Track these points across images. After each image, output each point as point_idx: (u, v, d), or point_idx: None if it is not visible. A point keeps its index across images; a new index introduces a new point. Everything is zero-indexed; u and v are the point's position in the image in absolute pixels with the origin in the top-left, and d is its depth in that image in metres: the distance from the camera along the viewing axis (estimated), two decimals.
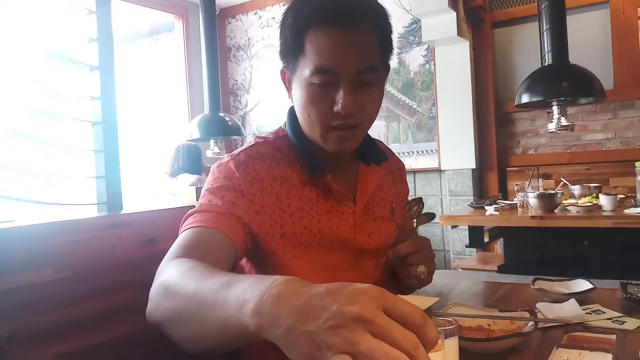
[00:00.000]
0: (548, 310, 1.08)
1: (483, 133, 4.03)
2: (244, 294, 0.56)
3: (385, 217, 1.13)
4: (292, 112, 1.08)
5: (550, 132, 3.05)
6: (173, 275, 0.75)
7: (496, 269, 3.00)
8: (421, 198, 1.10)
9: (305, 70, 0.94)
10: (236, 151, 1.03)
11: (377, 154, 1.13)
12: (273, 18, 4.78)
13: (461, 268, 3.34)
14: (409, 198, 1.22)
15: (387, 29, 1.00)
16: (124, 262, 1.10)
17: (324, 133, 0.97)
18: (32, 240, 0.97)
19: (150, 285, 0.83)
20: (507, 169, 4.01)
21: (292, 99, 1.03)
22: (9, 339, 0.90)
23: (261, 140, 1.07)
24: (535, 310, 1.03)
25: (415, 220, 1.07)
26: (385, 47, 1.00)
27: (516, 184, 3.01)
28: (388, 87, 4.34)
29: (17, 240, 0.95)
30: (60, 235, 1.02)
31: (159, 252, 1.16)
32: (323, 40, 0.92)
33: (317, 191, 1.04)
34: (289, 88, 1.04)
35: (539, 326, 0.98)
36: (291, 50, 0.97)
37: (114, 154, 1.39)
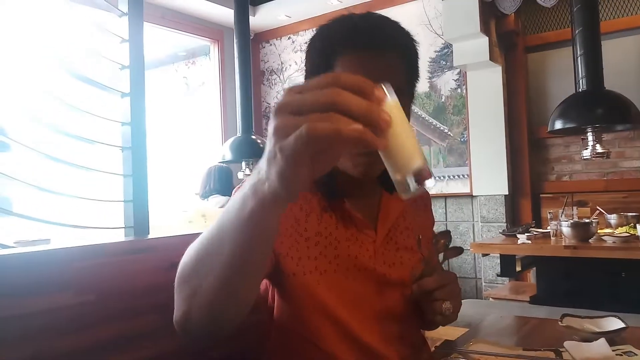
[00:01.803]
0: (575, 350, 1.04)
1: (516, 158, 3.96)
2: (246, 192, 0.61)
3: (409, 248, 1.11)
4: None
5: (585, 159, 2.98)
6: (185, 257, 0.78)
7: (528, 300, 2.92)
8: (449, 231, 1.08)
9: None
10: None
11: None
12: (305, 43, 4.81)
13: (492, 298, 3.26)
14: (436, 230, 1.19)
15: (414, 54, 1.01)
16: (146, 287, 1.11)
17: (350, 158, 0.97)
18: (54, 264, 0.98)
19: (172, 310, 0.84)
20: (541, 195, 3.92)
21: None
22: None
23: None
24: (562, 350, 1.00)
25: (442, 255, 1.04)
26: (412, 73, 1.01)
27: (549, 212, 2.94)
28: (419, 111, 4.32)
29: (39, 263, 0.97)
30: (83, 259, 1.03)
31: None
32: (353, 64, 0.93)
33: (337, 217, 1.03)
34: None
35: None
36: (319, 75, 0.98)
37: (142, 179, 1.42)
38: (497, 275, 3.25)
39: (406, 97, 0.98)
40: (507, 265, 2.87)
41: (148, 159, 1.52)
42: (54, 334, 0.95)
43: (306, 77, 1.04)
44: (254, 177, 0.60)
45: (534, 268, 3.18)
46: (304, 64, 1.09)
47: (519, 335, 1.25)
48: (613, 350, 1.03)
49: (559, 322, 1.20)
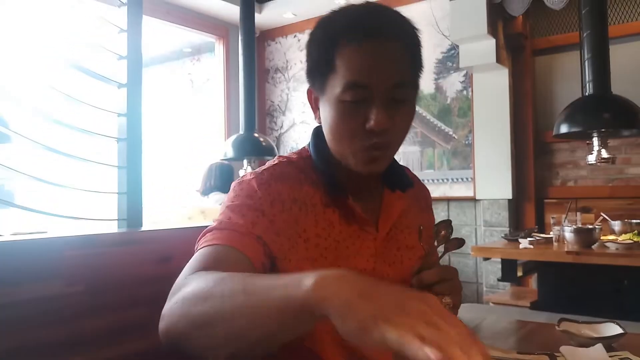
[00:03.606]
0: (571, 355, 1.02)
1: (520, 162, 3.93)
2: (303, 277, 0.60)
3: (410, 247, 1.08)
4: (316, 133, 1.06)
5: (590, 165, 2.94)
6: (203, 283, 0.73)
7: (529, 305, 2.88)
8: (450, 221, 1.05)
9: (335, 87, 0.92)
10: (259, 169, 1.01)
11: (402, 180, 1.09)
12: None
13: (493, 302, 3.22)
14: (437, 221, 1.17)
15: (417, 44, 0.98)
16: (137, 279, 1.10)
17: (355, 153, 0.94)
18: (45, 253, 0.98)
19: (163, 303, 0.79)
20: (545, 200, 3.88)
21: (318, 119, 1.01)
22: (16, 350, 0.90)
23: (285, 159, 1.04)
24: (557, 355, 0.97)
25: (443, 246, 1.01)
26: (416, 63, 0.98)
27: (552, 217, 2.90)
28: (424, 113, 4.29)
29: (30, 252, 0.96)
30: (74, 249, 1.02)
31: (174, 270, 1.15)
32: (355, 55, 0.90)
33: (340, 214, 1.00)
34: (315, 108, 1.02)
35: None
36: (320, 68, 0.95)
37: (137, 171, 1.40)
38: (498, 280, 3.22)
39: (411, 87, 0.96)
40: (508, 270, 2.84)
41: (144, 152, 1.50)
42: (42, 323, 0.94)
43: (307, 71, 1.01)
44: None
45: (536, 274, 3.15)
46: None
47: (515, 338, 1.23)
48: (610, 356, 1.01)
49: (556, 327, 1.17)
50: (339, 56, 0.91)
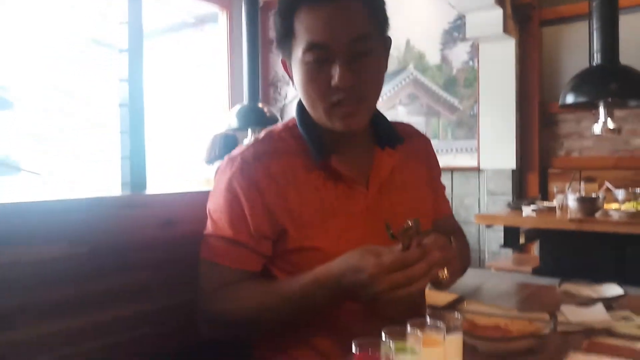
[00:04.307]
0: (572, 314, 1.03)
1: (525, 133, 3.91)
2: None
3: (404, 203, 1.08)
4: (300, 101, 1.08)
5: (596, 135, 2.92)
6: (245, 295, 0.98)
7: (530, 272, 2.90)
8: (417, 219, 0.87)
9: (298, 50, 0.96)
10: (235, 158, 1.03)
11: (390, 137, 1.09)
12: None
13: (494, 269, 3.24)
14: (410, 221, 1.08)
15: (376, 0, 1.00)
16: (140, 242, 1.11)
17: (327, 110, 0.97)
18: (49, 215, 0.98)
19: (166, 266, 1.05)
20: (549, 171, 3.87)
21: (294, 86, 1.04)
22: (22, 308, 0.91)
23: (264, 135, 1.08)
24: (558, 314, 0.98)
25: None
26: (378, 17, 0.99)
27: (556, 186, 2.90)
28: (429, 83, 4.26)
29: (34, 213, 0.97)
30: (79, 212, 1.03)
31: (177, 234, 1.16)
32: (311, 17, 0.94)
33: (325, 177, 1.02)
34: (291, 76, 1.04)
35: (559, 329, 0.93)
36: (283, 36, 0.99)
37: (139, 135, 1.40)
38: (500, 247, 3.23)
39: (374, 40, 0.97)
40: (511, 237, 2.85)
41: (147, 120, 1.50)
42: (46, 283, 0.95)
43: (276, 42, 1.04)
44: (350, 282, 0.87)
45: (538, 241, 3.15)
46: None
47: (516, 299, 1.24)
48: (611, 315, 1.02)
49: (557, 288, 1.18)
50: (297, 21, 0.95)
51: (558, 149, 3.89)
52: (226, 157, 1.06)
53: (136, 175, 1.38)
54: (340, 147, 1.03)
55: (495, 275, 3.01)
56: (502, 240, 3.02)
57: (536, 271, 2.85)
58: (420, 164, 1.18)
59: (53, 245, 0.97)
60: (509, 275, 3.00)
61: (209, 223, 1.03)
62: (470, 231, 3.97)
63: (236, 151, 1.05)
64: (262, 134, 1.08)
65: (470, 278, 2.53)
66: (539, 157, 3.89)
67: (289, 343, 1.02)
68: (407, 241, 0.83)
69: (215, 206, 1.03)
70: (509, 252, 3.65)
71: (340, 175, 1.02)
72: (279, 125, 1.10)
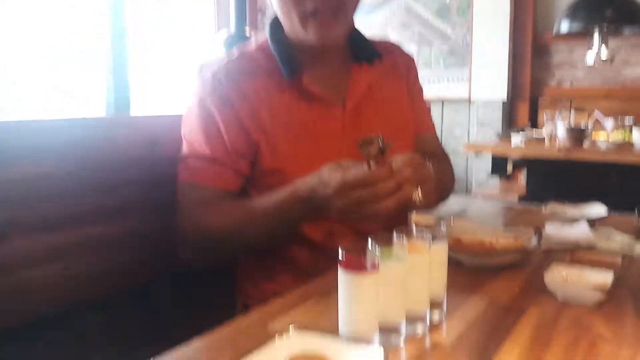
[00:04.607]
0: (556, 232, 1.04)
1: (517, 63, 3.85)
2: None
3: (383, 120, 1.06)
4: (274, 18, 1.05)
5: (588, 67, 2.89)
6: (221, 217, 0.97)
7: (517, 200, 2.94)
8: (378, 135, 0.80)
9: None
10: (207, 79, 1.02)
11: (366, 51, 1.06)
12: None
13: (481, 196, 3.28)
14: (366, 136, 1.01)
15: None
16: (126, 162, 1.10)
17: (302, 21, 0.95)
18: (35, 134, 0.99)
19: (149, 185, 1.07)
20: (539, 99, 3.84)
21: (272, 3, 1.01)
22: (11, 223, 0.91)
23: (237, 54, 1.05)
24: (543, 232, 1.00)
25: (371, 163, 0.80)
26: None
27: (546, 113, 2.89)
28: (421, 11, 4.14)
29: (22, 133, 0.97)
30: (64, 132, 1.02)
31: (161, 155, 1.16)
32: None
33: (298, 97, 1.00)
34: None
35: (543, 246, 0.95)
36: None
37: (122, 58, 1.36)
38: (488, 175, 3.25)
39: None
40: (499, 165, 2.87)
41: (131, 45, 1.45)
42: (30, 201, 0.95)
43: None
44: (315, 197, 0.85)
45: (525, 170, 3.18)
46: None
47: (502, 220, 1.26)
48: (594, 233, 1.03)
49: (543, 208, 1.20)
50: None
51: (550, 79, 3.85)
52: (198, 77, 1.03)
53: (120, 98, 1.35)
54: (314, 64, 1.00)
55: (482, 201, 3.05)
56: (490, 170, 3.04)
57: (522, 199, 2.89)
58: (400, 79, 1.14)
59: (39, 165, 0.96)
60: (495, 202, 3.04)
61: (184, 146, 1.02)
62: (458, 162, 3.98)
63: (207, 70, 1.02)
64: (236, 52, 1.05)
65: (456, 204, 2.57)
66: (530, 87, 3.85)
67: (270, 262, 1.03)
68: (366, 152, 0.78)
69: (190, 128, 1.02)
70: (496, 181, 3.68)
71: (313, 94, 1.00)
72: (253, 44, 1.06)
